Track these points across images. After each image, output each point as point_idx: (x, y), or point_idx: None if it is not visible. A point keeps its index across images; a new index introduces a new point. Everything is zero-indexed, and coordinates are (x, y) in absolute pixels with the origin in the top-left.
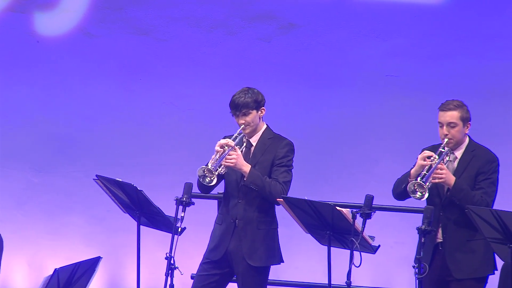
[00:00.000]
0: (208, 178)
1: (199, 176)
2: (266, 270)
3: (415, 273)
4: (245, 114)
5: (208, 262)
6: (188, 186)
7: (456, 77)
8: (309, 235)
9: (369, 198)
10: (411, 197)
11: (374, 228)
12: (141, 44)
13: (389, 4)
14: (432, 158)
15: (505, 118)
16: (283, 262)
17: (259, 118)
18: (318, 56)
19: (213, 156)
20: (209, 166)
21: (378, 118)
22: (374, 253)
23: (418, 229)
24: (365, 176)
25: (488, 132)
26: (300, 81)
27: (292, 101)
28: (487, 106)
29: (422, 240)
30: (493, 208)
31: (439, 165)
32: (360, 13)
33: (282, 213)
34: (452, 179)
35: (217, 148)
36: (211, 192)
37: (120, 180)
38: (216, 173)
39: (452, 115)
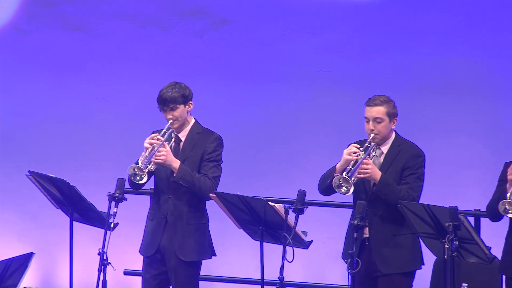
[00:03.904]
0: (139, 177)
1: (130, 175)
2: (198, 265)
3: (348, 268)
4: (173, 109)
5: (146, 257)
6: (120, 182)
7: (387, 73)
8: (241, 231)
9: (302, 193)
10: (337, 192)
11: (307, 223)
12: (74, 40)
13: None
14: (357, 153)
15: (435, 113)
16: (215, 255)
17: (187, 112)
18: (251, 52)
19: (143, 153)
20: (139, 164)
21: (310, 113)
22: (306, 248)
23: (351, 224)
24: (297, 171)
25: (418, 127)
26: (232, 76)
27: (224, 97)
28: (418, 101)
29: (355, 235)
30: (419, 202)
31: (365, 160)
32: (292, 9)
33: (214, 208)
34: (378, 174)
35: (146, 144)
36: (143, 188)
37: (53, 176)
38: (146, 170)
39: (378, 111)
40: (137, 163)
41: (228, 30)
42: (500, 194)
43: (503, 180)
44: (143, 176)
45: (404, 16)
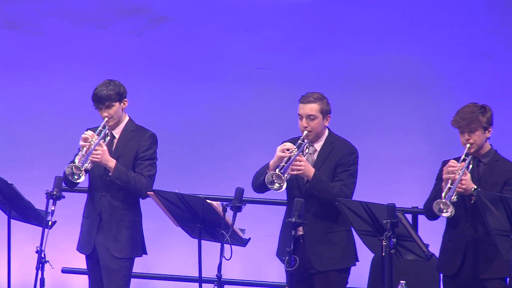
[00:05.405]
0: (77, 175)
1: (67, 174)
2: (130, 262)
3: (286, 266)
4: (108, 107)
5: (88, 255)
6: (58, 180)
7: (326, 70)
8: (179, 228)
9: (240, 191)
10: (270, 189)
11: (245, 221)
12: (12, 38)
13: None
14: (291, 150)
15: (374, 110)
16: (146, 254)
17: (122, 110)
18: (190, 50)
19: (79, 152)
20: (77, 163)
21: (249, 111)
22: (244, 246)
23: (288, 221)
24: (236, 169)
25: (357, 124)
26: (171, 74)
27: (163, 95)
28: (357, 99)
29: (293, 233)
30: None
31: (298, 157)
32: (230, 7)
33: (152, 206)
34: (311, 171)
35: (81, 143)
36: (80, 186)
37: None
38: (83, 169)
39: (312, 108)
40: (73, 162)
41: (166, 28)
42: (436, 193)
43: (440, 178)
44: (80, 175)
45: (343, 14)
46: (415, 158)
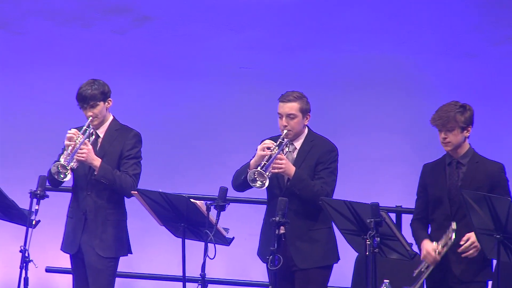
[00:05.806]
0: (62, 174)
1: (54, 173)
2: (115, 261)
3: (270, 265)
4: (93, 107)
5: (73, 255)
6: (42, 179)
7: (310, 70)
8: (163, 228)
9: (223, 190)
10: (250, 188)
11: (228, 220)
12: None
13: None
14: (272, 148)
15: (357, 109)
16: (131, 253)
17: (106, 109)
18: (173, 49)
19: (64, 152)
20: (62, 162)
21: (233, 110)
22: (228, 245)
23: (272, 221)
24: (219, 168)
25: (341, 123)
26: (155, 73)
27: (147, 94)
28: (340, 98)
29: (277, 232)
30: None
31: (279, 155)
32: (214, 6)
33: (136, 205)
34: (292, 169)
35: (66, 142)
36: (64, 185)
37: None
38: (69, 167)
39: (292, 107)
40: (59, 161)
41: (150, 27)
42: (420, 209)
43: (423, 185)
44: (66, 173)
45: (326, 14)
46: (398, 157)
